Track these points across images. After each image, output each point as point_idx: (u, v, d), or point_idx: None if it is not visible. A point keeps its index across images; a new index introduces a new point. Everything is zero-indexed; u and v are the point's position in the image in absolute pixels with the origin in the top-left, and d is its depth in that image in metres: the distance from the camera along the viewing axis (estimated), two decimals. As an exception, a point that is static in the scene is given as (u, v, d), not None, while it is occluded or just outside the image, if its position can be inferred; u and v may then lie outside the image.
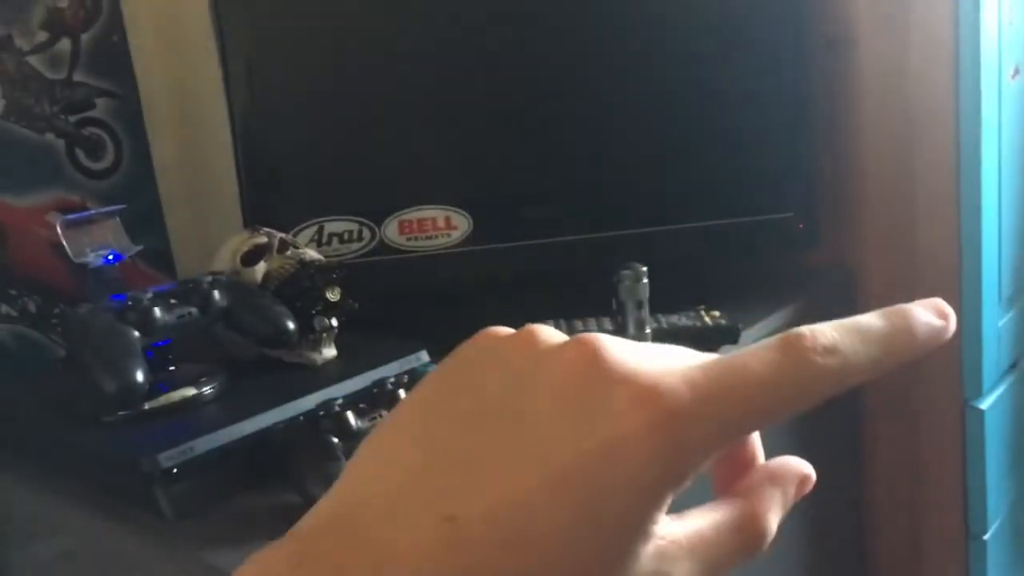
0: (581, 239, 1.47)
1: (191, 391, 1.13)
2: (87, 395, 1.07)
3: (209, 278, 1.12)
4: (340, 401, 1.04)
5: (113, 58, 1.51)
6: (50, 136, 1.45)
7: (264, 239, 1.22)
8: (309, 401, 1.12)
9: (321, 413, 1.03)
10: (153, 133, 1.57)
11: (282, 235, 1.23)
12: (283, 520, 1.01)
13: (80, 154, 1.49)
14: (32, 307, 1.45)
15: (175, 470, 1.00)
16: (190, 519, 0.98)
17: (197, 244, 1.52)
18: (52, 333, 1.47)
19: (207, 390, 1.14)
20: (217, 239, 1.58)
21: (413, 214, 1.43)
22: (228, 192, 1.53)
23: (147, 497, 0.99)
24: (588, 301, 1.25)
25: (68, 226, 1.14)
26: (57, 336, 1.48)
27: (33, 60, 1.42)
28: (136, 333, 1.05)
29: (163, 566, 0.98)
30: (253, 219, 1.44)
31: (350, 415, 1.02)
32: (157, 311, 1.07)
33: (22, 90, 1.42)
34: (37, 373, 1.46)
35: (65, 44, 1.45)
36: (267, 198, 1.44)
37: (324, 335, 1.20)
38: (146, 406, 1.09)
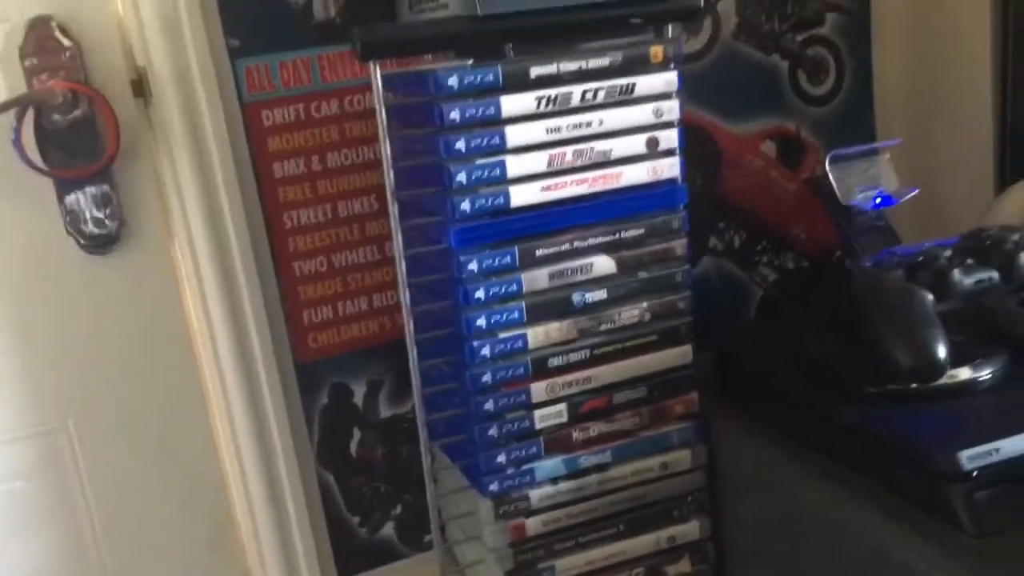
0: None
1: (965, 372, 0.92)
2: (854, 360, 0.93)
3: (1015, 236, 0.90)
4: None
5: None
6: (775, 57, 1.33)
7: (1072, 190, 0.97)
8: None
9: None
10: (880, 56, 1.37)
11: (1095, 187, 0.96)
12: None
13: (802, 77, 1.35)
14: (737, 242, 1.37)
15: (976, 474, 0.81)
16: (993, 537, 0.79)
17: (920, 192, 1.31)
18: (754, 272, 1.38)
19: (985, 374, 0.92)
20: (951, 185, 1.35)
21: None
22: (970, 128, 1.28)
23: (938, 501, 0.82)
24: None
25: (836, 162, 0.99)
26: (757, 275, 1.38)
27: (770, -26, 1.30)
28: (931, 297, 0.87)
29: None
30: (1014, 162, 1.18)
31: None
32: (956, 273, 0.88)
33: (754, 6, 1.31)
34: (735, 312, 1.39)
35: (803, -47, 1.31)
36: (1036, 135, 1.17)
37: None
38: (913, 384, 0.92)
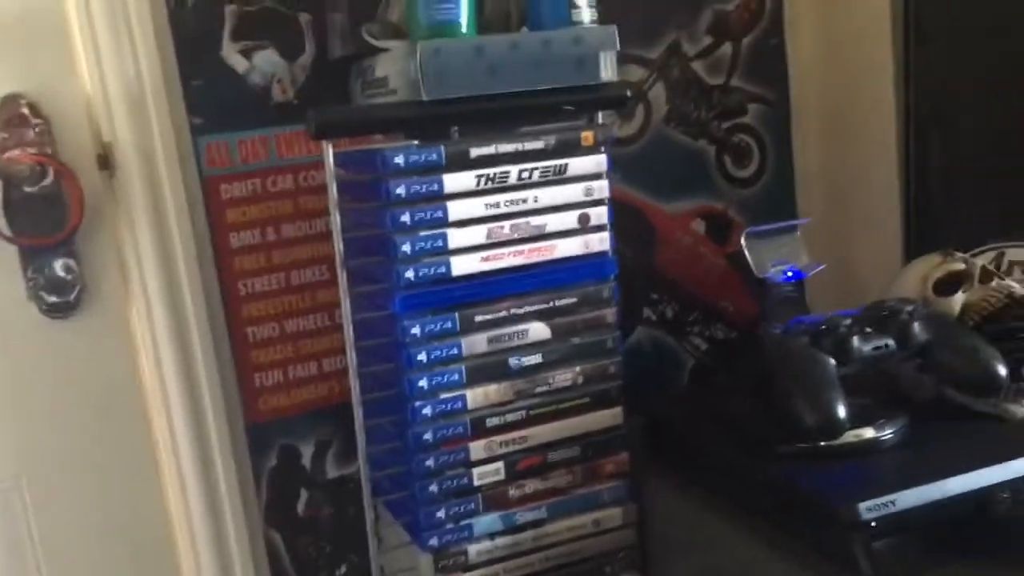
0: None
1: (869, 432, 1.01)
2: (767, 420, 1.00)
3: (909, 307, 0.99)
4: (1092, 478, 0.84)
5: (769, 63, 1.45)
6: (703, 142, 1.44)
7: (962, 265, 1.06)
8: (1020, 466, 0.94)
9: (1061, 488, 0.85)
10: (799, 142, 1.49)
11: (983, 263, 1.06)
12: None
13: (727, 161, 1.46)
14: (670, 313, 1.45)
15: (874, 524, 0.88)
16: (889, 584, 0.86)
17: (834, 263, 1.40)
18: (686, 341, 1.46)
19: (887, 434, 1.00)
20: (861, 259, 1.46)
21: None
22: (880, 207, 1.39)
23: (840, 549, 0.89)
24: None
25: (751, 238, 1.08)
26: (689, 344, 1.47)
27: (696, 65, 1.41)
28: (832, 362, 0.96)
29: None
30: (918, 239, 1.28)
31: (1104, 498, 0.82)
32: (855, 340, 0.96)
33: (683, 96, 1.42)
34: (667, 379, 1.46)
35: (727, 48, 1.42)
36: (936, 216, 1.28)
37: (1031, 386, 1.01)
38: (821, 443, 1.00)
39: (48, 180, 1.10)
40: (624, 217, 1.35)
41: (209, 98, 1.17)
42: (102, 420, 1.19)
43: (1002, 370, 0.97)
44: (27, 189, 1.09)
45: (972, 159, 1.27)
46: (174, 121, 1.16)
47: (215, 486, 1.22)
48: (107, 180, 1.16)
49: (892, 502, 0.88)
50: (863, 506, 0.87)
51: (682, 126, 1.43)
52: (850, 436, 0.99)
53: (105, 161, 1.15)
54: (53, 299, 1.14)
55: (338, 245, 1.03)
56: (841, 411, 0.92)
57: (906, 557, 0.87)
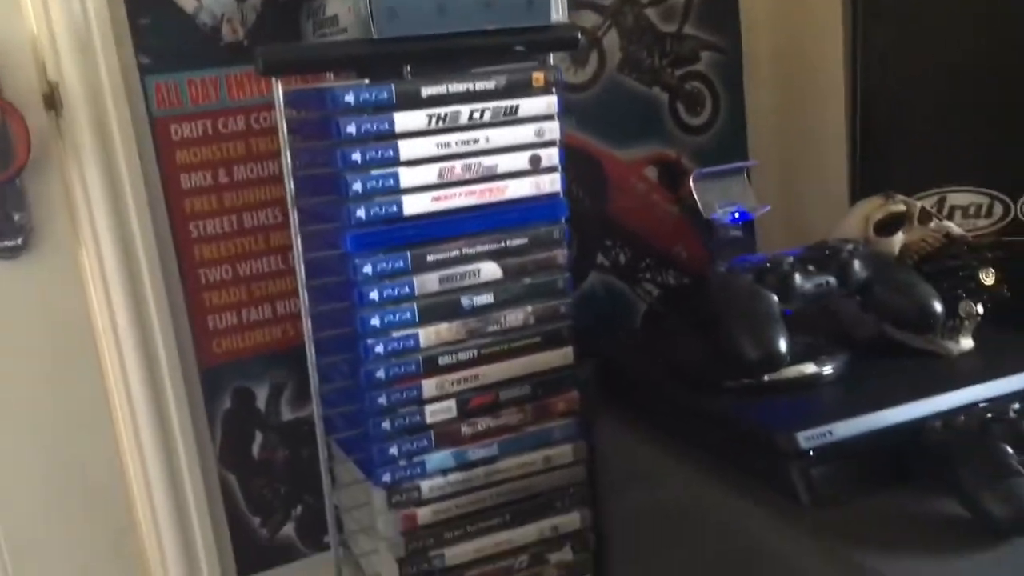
0: None
1: (810, 367, 1.04)
2: (713, 357, 1.03)
3: (849, 246, 1.01)
4: (1017, 405, 0.88)
5: (722, 11, 1.46)
6: (656, 89, 1.45)
7: (902, 207, 1.08)
8: (955, 398, 0.97)
9: (989, 416, 0.88)
10: (750, 90, 1.50)
11: (922, 204, 1.09)
12: (940, 529, 0.86)
13: (680, 108, 1.47)
14: (623, 259, 1.47)
15: (812, 452, 0.91)
16: (826, 508, 0.89)
17: (783, 207, 1.43)
18: (638, 287, 1.48)
19: (828, 369, 1.03)
20: (811, 202, 1.49)
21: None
22: (828, 153, 1.42)
23: (779, 476, 0.92)
24: None
25: (699, 179, 1.10)
26: (641, 290, 1.49)
27: (650, 12, 1.42)
28: (775, 298, 0.98)
29: (777, 544, 0.90)
30: (863, 183, 1.31)
31: (1029, 424, 0.86)
32: (797, 277, 0.99)
33: (637, 43, 1.42)
34: (620, 323, 1.49)
35: (680, -4, 1.44)
36: (881, 161, 1.30)
37: (966, 322, 1.04)
38: (765, 377, 1.03)
39: (-7, 119, 1.09)
40: (578, 163, 1.37)
41: (157, 37, 1.16)
42: (53, 362, 1.19)
43: (937, 307, 0.99)
44: (-29, 127, 1.08)
45: (918, 108, 1.29)
46: (122, 60, 1.14)
47: (169, 428, 1.22)
48: (54, 120, 1.14)
49: (830, 432, 0.91)
50: (802, 435, 0.90)
51: (635, 73, 1.44)
52: (792, 371, 1.02)
53: (51, 100, 1.13)
54: (0, 240, 1.13)
55: (289, 184, 1.03)
56: (783, 345, 0.95)
57: (842, 484, 0.90)
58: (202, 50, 1.18)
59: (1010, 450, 0.84)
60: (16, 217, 1.13)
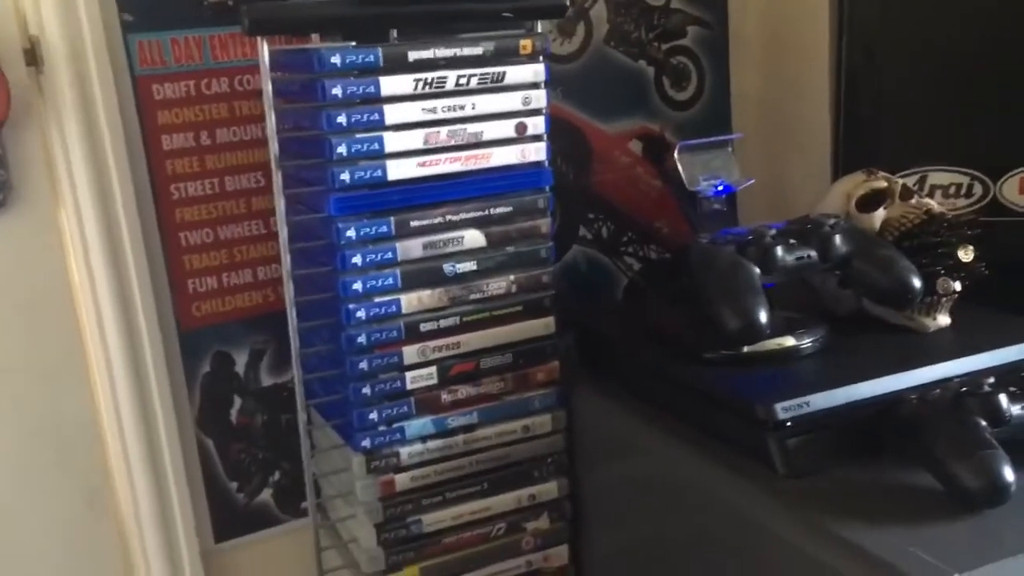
0: None
1: (789, 340, 1.04)
2: (693, 328, 1.03)
3: (831, 221, 1.02)
4: (992, 380, 0.89)
5: (711, -14, 1.47)
6: (642, 63, 1.45)
7: (884, 184, 1.09)
8: (931, 372, 0.98)
9: (963, 390, 0.89)
10: (736, 66, 1.50)
11: (904, 181, 1.10)
12: (911, 500, 0.88)
13: (666, 83, 1.47)
14: (605, 232, 1.47)
15: (789, 423, 0.92)
16: (802, 478, 0.90)
17: (766, 182, 1.43)
18: (620, 261, 1.49)
19: (806, 342, 1.04)
20: (793, 178, 1.49)
21: (1044, 171, 1.21)
22: (811, 130, 1.42)
23: (756, 446, 0.92)
24: None
25: (684, 151, 1.10)
26: (623, 263, 1.49)
27: (639, -15, 1.42)
28: (757, 270, 0.99)
29: (753, 514, 0.91)
30: (846, 161, 1.32)
31: (1002, 398, 0.87)
32: (779, 250, 0.99)
33: (624, 15, 1.42)
34: (601, 296, 1.49)
35: (669, -31, 1.43)
36: (864, 140, 1.31)
37: (943, 299, 1.05)
38: (744, 349, 1.04)
39: (-29, 72, 1.07)
40: (563, 135, 1.37)
41: (141, -6, 1.15)
42: (30, 323, 1.18)
43: (916, 283, 1.00)
44: (-51, 81, 1.06)
45: (901, 87, 1.30)
46: (104, 17, 1.12)
47: (146, 390, 1.22)
48: (34, 76, 1.12)
49: (806, 403, 0.92)
50: (779, 406, 0.91)
51: (622, 46, 1.43)
52: (771, 344, 1.03)
53: (32, 56, 1.11)
54: (-23, 197, 1.12)
55: (273, 145, 1.02)
56: (763, 316, 0.95)
57: (818, 455, 0.92)
58: (186, 9, 1.16)
59: (984, 423, 0.86)
60: (-6, 174, 1.12)
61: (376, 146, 1.02)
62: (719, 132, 1.50)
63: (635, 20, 1.44)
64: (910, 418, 0.89)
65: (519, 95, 1.08)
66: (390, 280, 1.06)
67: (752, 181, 1.12)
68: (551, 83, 1.12)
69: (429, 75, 1.03)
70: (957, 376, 0.97)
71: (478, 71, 1.05)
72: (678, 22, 1.46)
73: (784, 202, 1.41)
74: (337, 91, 0.99)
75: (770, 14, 1.47)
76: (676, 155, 1.09)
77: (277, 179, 1.03)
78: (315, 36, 1.08)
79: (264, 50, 0.99)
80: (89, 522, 1.25)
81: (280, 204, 1.03)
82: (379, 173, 1.02)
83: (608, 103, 1.44)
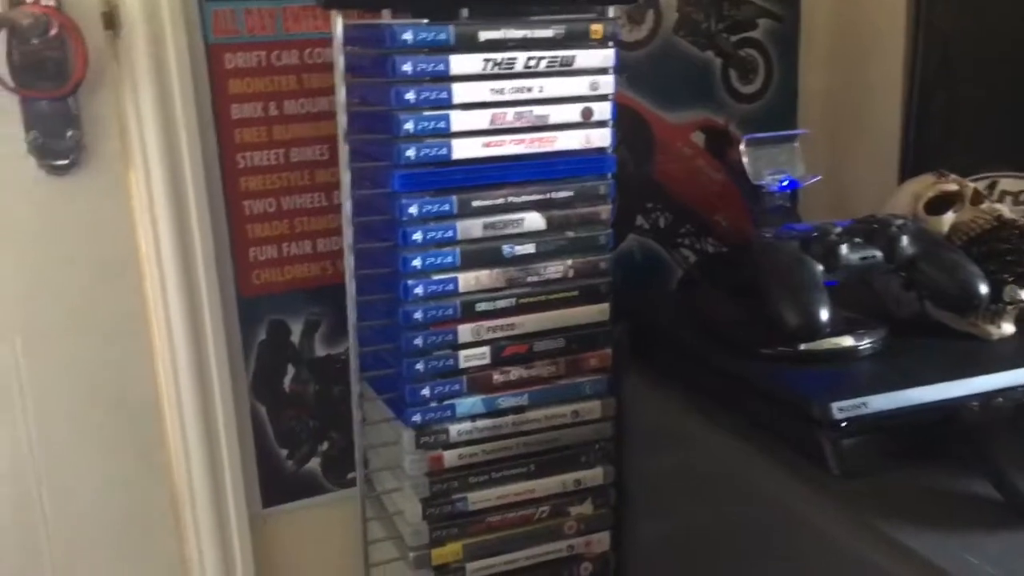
0: None
1: (848, 341, 1.03)
2: (751, 322, 1.03)
3: (899, 221, 1.01)
4: (1056, 391, 0.87)
5: (783, -22, 1.44)
6: (710, 53, 1.44)
7: (955, 187, 1.07)
8: (992, 381, 0.97)
9: (1028, 400, 0.88)
10: (806, 61, 1.48)
11: (975, 186, 1.08)
12: (968, 507, 0.88)
13: (733, 75, 1.46)
14: (663, 223, 1.46)
15: (845, 423, 0.91)
16: (855, 479, 0.89)
17: (830, 179, 1.41)
18: (676, 252, 1.48)
19: (865, 344, 1.03)
20: (857, 178, 1.47)
21: None
22: (879, 129, 1.40)
23: (810, 445, 0.92)
24: None
25: (750, 145, 1.09)
26: (678, 255, 1.48)
27: (710, -25, 1.41)
28: (820, 267, 0.98)
29: (804, 512, 0.90)
30: (916, 162, 1.30)
31: (1067, 411, 0.85)
32: (844, 248, 0.98)
33: (695, 4, 1.41)
34: (654, 287, 1.48)
35: (742, -40, 1.42)
36: (934, 141, 1.29)
37: (1009, 307, 1.03)
38: (802, 347, 1.03)
39: (53, 32, 1.09)
40: (626, 123, 1.36)
41: (218, -36, 1.16)
42: (96, 282, 1.21)
43: (982, 289, 0.99)
44: (33, 41, 1.09)
45: (976, 90, 1.27)
46: (181, -16, 1.15)
47: (204, 352, 1.24)
48: (111, 40, 1.15)
49: (864, 404, 0.91)
50: (835, 406, 0.90)
51: (691, 35, 1.42)
52: (829, 343, 1.01)
53: (110, 20, 1.14)
54: (53, 156, 1.14)
55: (341, 119, 1.03)
56: (824, 314, 0.94)
57: (873, 456, 0.91)
58: (262, -20, 1.18)
59: (1046, 435, 0.84)
60: (68, 134, 1.14)
61: (443, 124, 1.02)
62: (784, 127, 1.48)
63: (705, 10, 1.42)
64: (970, 426, 0.88)
65: (587, 80, 1.08)
66: (449, 258, 1.06)
67: (818, 178, 1.11)
68: (618, 70, 1.12)
69: (499, 55, 1.03)
70: (1020, 386, 0.95)
71: (548, 54, 1.05)
72: (749, 14, 1.45)
73: (845, 201, 1.39)
74: (407, 68, 0.99)
75: (843, 10, 1.45)
76: (743, 148, 1.08)
77: (344, 152, 1.04)
78: (386, 12, 1.09)
79: (338, 24, 1.00)
80: (142, 479, 1.28)
81: (346, 178, 1.04)
82: (444, 151, 1.03)
83: (673, 93, 1.43)
